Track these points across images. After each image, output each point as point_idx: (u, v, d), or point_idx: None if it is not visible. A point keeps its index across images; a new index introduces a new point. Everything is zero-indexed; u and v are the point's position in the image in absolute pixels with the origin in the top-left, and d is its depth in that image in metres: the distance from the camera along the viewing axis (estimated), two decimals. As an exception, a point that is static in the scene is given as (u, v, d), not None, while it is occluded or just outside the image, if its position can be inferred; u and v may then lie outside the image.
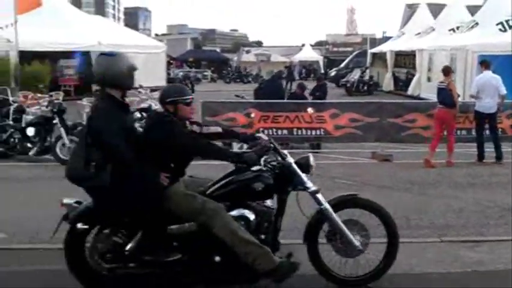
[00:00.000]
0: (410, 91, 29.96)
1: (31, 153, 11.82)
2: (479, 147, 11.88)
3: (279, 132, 12.56)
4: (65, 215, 4.65)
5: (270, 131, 12.44)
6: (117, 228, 4.52)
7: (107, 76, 4.45)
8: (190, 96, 4.77)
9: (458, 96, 12.31)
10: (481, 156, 11.85)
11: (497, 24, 23.85)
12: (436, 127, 11.88)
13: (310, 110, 12.71)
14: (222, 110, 12.64)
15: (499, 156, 11.83)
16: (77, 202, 4.69)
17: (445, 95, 11.53)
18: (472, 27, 25.44)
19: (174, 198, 4.46)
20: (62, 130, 11.36)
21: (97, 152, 4.32)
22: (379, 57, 37.79)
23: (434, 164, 11.42)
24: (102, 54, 4.68)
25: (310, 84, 18.80)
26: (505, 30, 23.29)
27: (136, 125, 12.39)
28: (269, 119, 12.52)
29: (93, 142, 4.36)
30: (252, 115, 12.58)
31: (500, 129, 12.33)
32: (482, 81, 11.80)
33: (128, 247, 4.47)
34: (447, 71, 12.01)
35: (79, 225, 4.57)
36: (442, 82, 11.81)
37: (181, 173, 4.66)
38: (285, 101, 14.31)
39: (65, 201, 4.66)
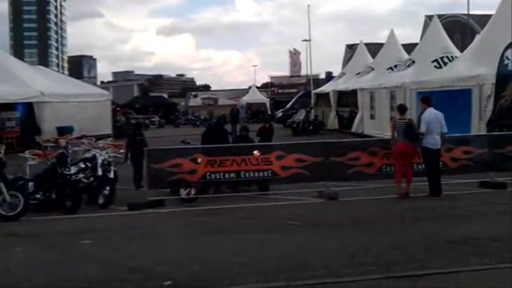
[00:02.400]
0: (354, 128, 30.85)
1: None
2: (435, 182, 12.16)
3: (227, 175, 12.56)
4: None
5: (218, 175, 12.47)
6: None
7: None
8: None
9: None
10: (438, 189, 12.10)
11: (433, 62, 24.80)
12: (397, 161, 12.33)
13: (256, 152, 12.74)
14: (167, 156, 12.52)
15: (439, 190, 12.14)
16: None
17: (409, 130, 12.00)
18: (409, 65, 26.37)
19: None
20: (2, 185, 10.99)
21: None
22: (323, 97, 38.83)
23: (406, 191, 12.03)
24: None
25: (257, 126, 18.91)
26: (440, 67, 24.22)
27: (81, 175, 12.52)
28: (216, 163, 12.49)
29: None
30: (199, 160, 12.51)
31: (441, 163, 12.66)
32: (429, 118, 12.12)
33: None
34: (403, 109, 12.62)
35: None
36: (401, 119, 12.26)
37: None
38: (231, 144, 14.38)
39: None
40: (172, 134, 34.01)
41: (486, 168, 13.33)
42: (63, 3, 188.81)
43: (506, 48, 18.37)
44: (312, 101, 40.83)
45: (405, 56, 29.65)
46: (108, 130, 29.68)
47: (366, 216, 10.39)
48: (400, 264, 7.02)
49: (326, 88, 39.96)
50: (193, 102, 64.36)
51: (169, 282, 6.55)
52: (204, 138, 14.35)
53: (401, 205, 11.46)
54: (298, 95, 51.19)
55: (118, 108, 48.19)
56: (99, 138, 20.41)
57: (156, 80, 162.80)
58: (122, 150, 15.13)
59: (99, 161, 12.75)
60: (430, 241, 8.17)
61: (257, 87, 73.13)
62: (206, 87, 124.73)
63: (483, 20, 30.63)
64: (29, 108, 26.51)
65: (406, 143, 12.14)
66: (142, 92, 78.43)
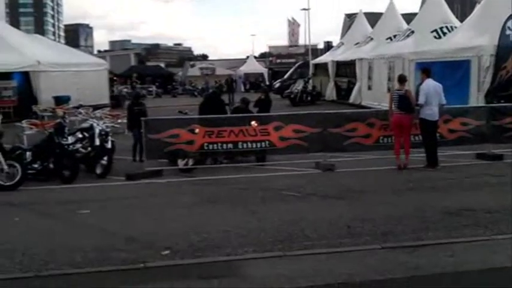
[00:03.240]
0: (352, 99, 30.80)
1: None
2: (432, 153, 12.22)
3: (224, 146, 12.58)
4: None
5: (215, 145, 12.51)
6: None
7: None
8: None
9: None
10: (435, 161, 12.16)
11: (432, 32, 24.64)
12: (395, 132, 12.39)
13: (254, 123, 12.74)
14: (165, 127, 12.50)
15: (435, 162, 12.19)
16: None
17: (404, 102, 11.98)
18: (408, 35, 26.21)
19: None
20: (0, 155, 10.96)
21: None
22: (322, 67, 38.63)
23: (405, 164, 12.07)
24: None
25: (256, 96, 18.82)
26: (440, 37, 24.07)
27: (78, 145, 12.51)
28: (214, 134, 12.48)
29: None
30: (196, 131, 12.50)
31: (438, 135, 12.70)
32: (427, 89, 12.08)
33: None
34: (403, 79, 12.55)
35: None
36: (398, 90, 12.24)
37: None
38: (229, 115, 14.35)
39: None
40: (169, 104, 33.88)
41: (483, 140, 13.36)
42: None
43: (508, 18, 18.19)
44: (310, 71, 40.70)
45: (404, 26, 29.43)
46: (106, 100, 29.64)
47: (362, 187, 10.44)
48: (396, 235, 7.09)
49: (324, 58, 39.73)
50: (190, 71, 63.94)
51: (167, 252, 6.61)
52: (201, 108, 14.27)
53: (397, 176, 11.52)
54: (297, 65, 51.03)
55: (115, 78, 48.04)
56: (96, 108, 20.50)
57: (153, 50, 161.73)
58: (119, 120, 15.10)
59: (97, 131, 12.70)
60: (425, 212, 8.22)
61: (255, 57, 72.76)
62: (204, 57, 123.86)
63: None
64: (25, 78, 26.40)
65: (402, 115, 12.16)
66: (139, 62, 77.71)
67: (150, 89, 51.24)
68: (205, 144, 12.51)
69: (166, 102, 39.36)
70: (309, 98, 33.76)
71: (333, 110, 15.49)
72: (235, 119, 13.27)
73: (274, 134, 12.70)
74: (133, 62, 70.39)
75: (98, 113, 18.15)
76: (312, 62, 42.02)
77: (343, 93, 33.91)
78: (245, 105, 14.71)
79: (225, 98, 27.16)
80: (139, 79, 54.56)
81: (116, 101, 31.28)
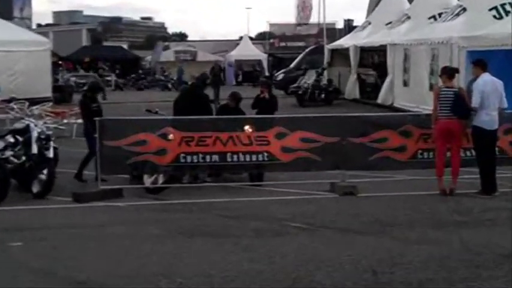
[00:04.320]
0: (380, 99, 30.89)
1: None
2: (489, 175, 12.19)
3: (207, 158, 12.52)
4: None
5: (195, 157, 12.47)
6: None
7: None
8: None
9: None
10: (492, 185, 12.16)
11: (491, 10, 24.61)
12: (440, 144, 12.32)
13: (248, 128, 12.72)
14: (127, 130, 12.48)
15: (493, 186, 12.21)
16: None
17: (457, 103, 11.99)
18: (458, 14, 26.23)
19: None
20: None
21: None
22: (341, 55, 38.74)
23: (451, 188, 12.02)
24: None
25: (253, 92, 18.76)
26: (501, 17, 24.03)
27: (8, 153, 12.40)
28: (193, 141, 12.44)
29: None
30: (170, 136, 12.47)
31: (497, 149, 12.67)
32: (483, 87, 12.08)
33: None
34: (452, 73, 12.52)
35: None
36: (448, 87, 12.27)
37: None
38: (215, 116, 14.32)
39: None
40: (134, 100, 33.81)
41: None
42: None
43: None
44: (325, 59, 40.74)
45: (453, 1, 29.54)
46: (47, 92, 29.58)
47: (393, 218, 10.43)
48: (438, 285, 7.03)
49: (344, 42, 39.88)
50: (163, 56, 63.83)
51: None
52: (176, 106, 14.24)
53: (441, 205, 11.53)
54: (307, 50, 51.29)
55: (60, 62, 48.03)
56: (34, 102, 20.35)
57: (112, 25, 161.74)
58: (65, 120, 15.08)
59: (34, 134, 12.60)
60: (479, 255, 8.18)
61: (251, 39, 72.95)
62: (182, 37, 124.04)
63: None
64: None
65: (452, 120, 12.10)
66: (94, 41, 77.69)
67: (108, 78, 51.33)
68: (182, 155, 12.48)
69: (130, 96, 39.45)
70: (322, 96, 33.89)
71: (354, 112, 15.61)
72: (222, 121, 13.22)
73: (276, 143, 12.70)
74: (85, 41, 70.35)
75: (37, 109, 18.00)
76: (328, 46, 42.13)
77: (369, 90, 34.07)
78: (236, 102, 14.58)
79: (210, 92, 27.14)
80: (92, 64, 54.45)
81: (60, 94, 31.29)
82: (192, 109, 13.37)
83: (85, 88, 18.07)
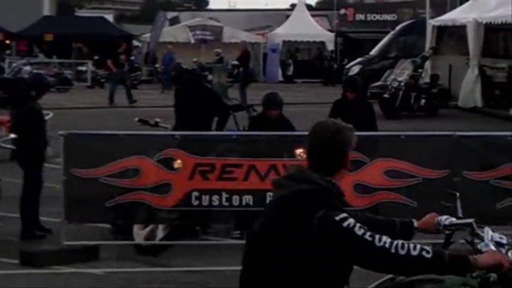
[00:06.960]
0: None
1: None
2: None
3: (235, 200, 9.84)
4: None
5: (216, 197, 9.91)
6: None
7: None
8: None
9: None
10: None
11: None
12: None
13: (301, 152, 9.91)
14: (109, 152, 10.03)
15: None
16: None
17: None
18: None
19: None
20: None
21: None
22: (452, 36, 32.87)
23: None
24: None
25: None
26: None
27: None
28: (213, 172, 9.91)
29: None
30: (177, 163, 10.00)
31: None
32: None
33: None
34: None
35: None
36: None
37: None
38: (246, 132, 11.63)
39: None
40: (121, 104, 28.13)
41: None
42: None
43: None
44: (428, 43, 32.94)
45: None
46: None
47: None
48: None
49: (460, 16, 32.76)
50: (168, 34, 45.23)
51: None
52: (178, 111, 12.04)
53: None
54: (398, 28, 39.79)
55: (8, 42, 41.85)
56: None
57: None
58: (12, 135, 11.68)
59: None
60: None
61: (309, 8, 54.51)
62: (199, 5, 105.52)
63: None
64: None
65: None
66: (61, 10, 67.18)
67: (83, 68, 40.36)
68: (195, 193, 9.91)
69: (115, 97, 30.38)
70: (422, 102, 27.39)
71: (473, 129, 13.71)
72: (261, 140, 10.63)
73: (347, 177, 8.87)
74: (47, 9, 61.30)
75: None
76: (433, 22, 33.77)
77: (498, 94, 28.66)
78: (277, 109, 11.20)
79: (233, 93, 23.89)
80: (59, 46, 42.79)
81: (4, 91, 25.08)
82: (202, 110, 11.29)
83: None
